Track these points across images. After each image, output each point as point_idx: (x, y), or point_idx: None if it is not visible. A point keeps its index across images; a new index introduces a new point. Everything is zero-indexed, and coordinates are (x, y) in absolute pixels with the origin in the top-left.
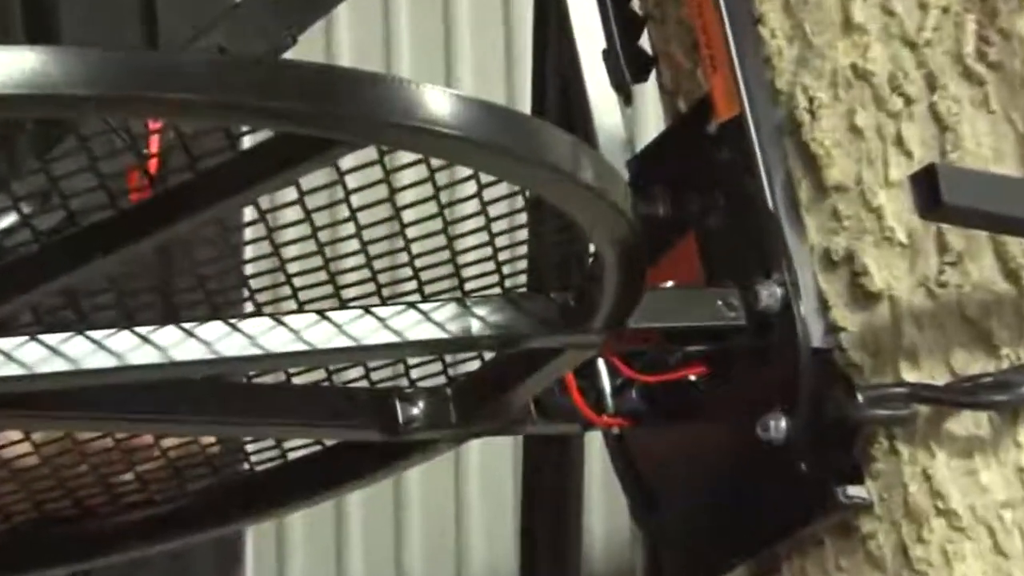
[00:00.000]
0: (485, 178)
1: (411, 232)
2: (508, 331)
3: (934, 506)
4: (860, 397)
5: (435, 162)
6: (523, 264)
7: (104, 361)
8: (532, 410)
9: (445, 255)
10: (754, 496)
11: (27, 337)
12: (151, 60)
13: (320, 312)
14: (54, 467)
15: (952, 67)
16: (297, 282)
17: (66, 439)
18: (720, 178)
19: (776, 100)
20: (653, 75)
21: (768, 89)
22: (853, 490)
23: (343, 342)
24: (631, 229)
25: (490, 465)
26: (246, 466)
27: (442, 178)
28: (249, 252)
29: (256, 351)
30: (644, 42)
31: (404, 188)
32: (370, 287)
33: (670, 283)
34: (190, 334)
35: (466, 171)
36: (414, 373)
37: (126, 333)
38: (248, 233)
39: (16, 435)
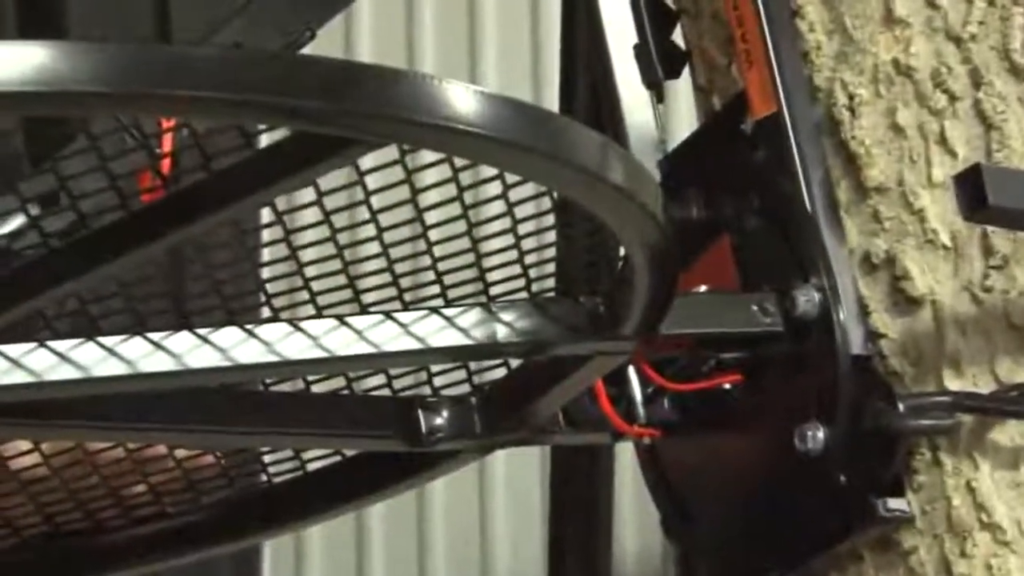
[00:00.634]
0: (511, 178)
1: (434, 234)
2: (535, 338)
3: (978, 519)
4: (901, 406)
5: (459, 161)
6: (551, 267)
7: (115, 368)
8: (560, 419)
9: (469, 258)
10: (790, 509)
11: (35, 344)
12: (162, 55)
13: (339, 317)
14: (65, 478)
15: (998, 63)
16: (315, 286)
17: (76, 449)
18: (756, 178)
19: (814, 97)
20: (686, 71)
21: (806, 85)
22: (894, 503)
23: (363, 349)
24: (662, 232)
25: (516, 474)
26: (263, 478)
27: (466, 178)
28: (266, 255)
29: (273, 358)
30: (677, 37)
31: (427, 189)
32: (391, 291)
33: (703, 288)
34: (204, 340)
35: (491, 171)
36: (437, 381)
37: (138, 339)
38: (265, 235)
39: (26, 445)
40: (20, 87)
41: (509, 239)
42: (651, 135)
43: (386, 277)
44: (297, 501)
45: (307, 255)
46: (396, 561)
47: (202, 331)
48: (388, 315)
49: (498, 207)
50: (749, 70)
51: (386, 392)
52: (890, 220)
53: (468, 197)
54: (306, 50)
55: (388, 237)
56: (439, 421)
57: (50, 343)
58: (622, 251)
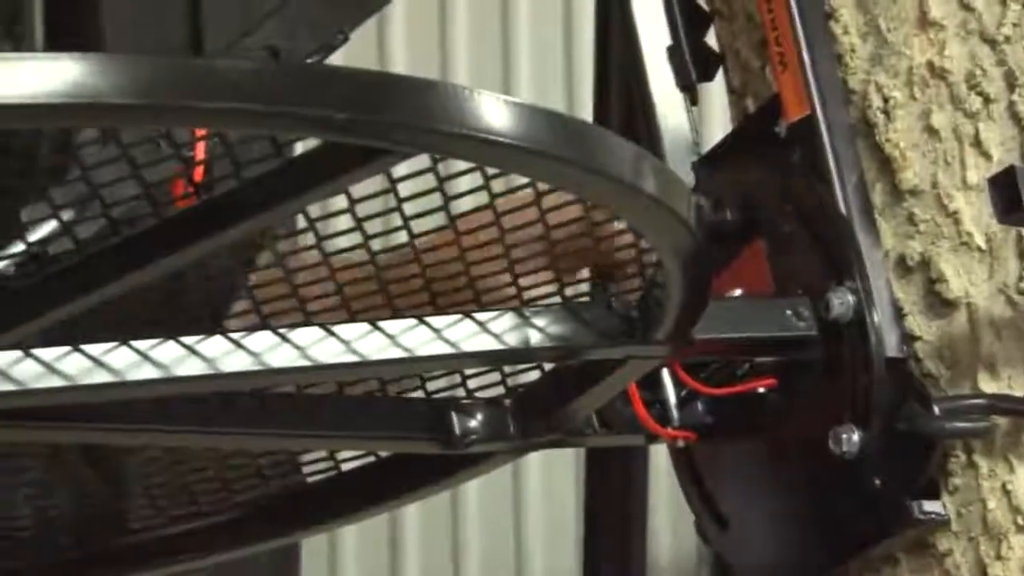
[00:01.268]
0: (544, 185)
1: (466, 240)
2: (568, 343)
3: (1014, 522)
4: (936, 409)
5: (491, 169)
6: (584, 272)
7: (150, 372)
8: (594, 421)
9: (502, 264)
10: (826, 512)
11: (116, 343)
12: (194, 68)
13: (372, 322)
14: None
15: None
16: (348, 291)
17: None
18: (789, 181)
19: (848, 100)
20: (720, 74)
21: (840, 88)
22: (929, 505)
23: (396, 353)
24: (695, 239)
25: (551, 476)
26: (298, 477)
27: (499, 185)
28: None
29: (306, 362)
30: (711, 39)
31: (459, 196)
32: (424, 296)
33: (738, 292)
34: (238, 345)
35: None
36: (472, 383)
37: (171, 344)
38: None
39: None
40: (56, 99)
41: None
42: (685, 138)
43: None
44: (331, 501)
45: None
46: (430, 562)
47: (235, 336)
48: (421, 319)
49: (531, 213)
50: (783, 73)
51: (420, 394)
52: (925, 223)
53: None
54: (339, 53)
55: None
56: (473, 424)
57: (132, 342)
58: (655, 257)
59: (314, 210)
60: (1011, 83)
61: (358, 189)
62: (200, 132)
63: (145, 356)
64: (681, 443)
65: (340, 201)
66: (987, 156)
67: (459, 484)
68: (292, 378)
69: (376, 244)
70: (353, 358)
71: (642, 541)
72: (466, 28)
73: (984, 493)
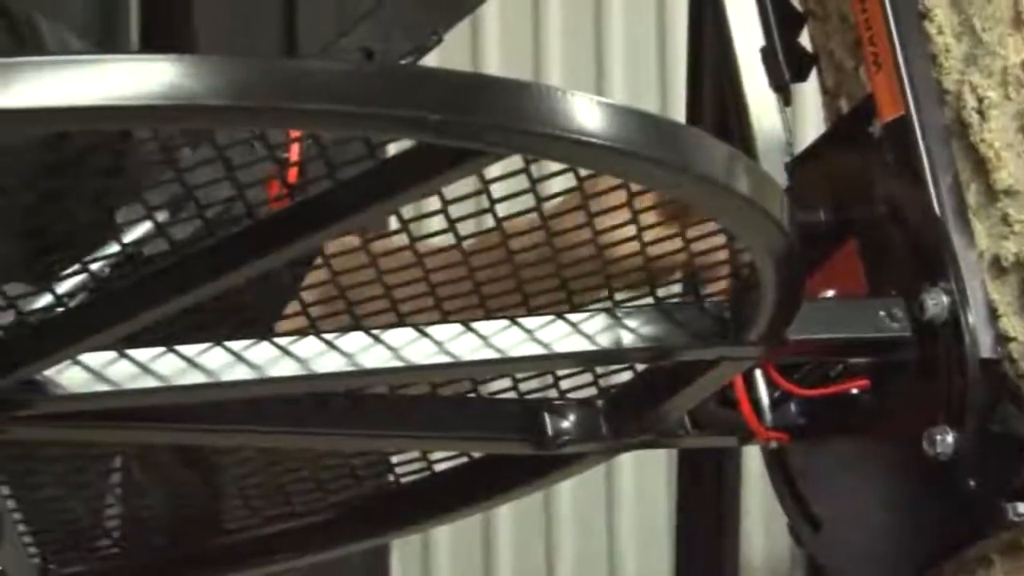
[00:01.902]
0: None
1: (559, 241)
2: (661, 344)
3: None
4: None
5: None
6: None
7: (244, 373)
8: (687, 422)
9: (595, 264)
10: (919, 513)
11: (209, 343)
12: (289, 69)
13: (465, 323)
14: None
15: None
16: (441, 292)
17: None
18: (883, 182)
19: (943, 100)
20: (813, 74)
21: (934, 88)
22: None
23: (488, 354)
24: (788, 240)
25: (644, 477)
26: (391, 478)
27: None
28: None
29: (399, 363)
30: (804, 40)
31: (552, 197)
32: (516, 297)
33: (831, 292)
34: (331, 346)
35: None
36: (564, 384)
37: (265, 345)
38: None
39: None
40: (150, 100)
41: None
42: (778, 138)
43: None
44: (424, 501)
45: (433, 262)
46: (523, 563)
47: (329, 336)
48: (513, 320)
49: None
50: (877, 73)
51: (512, 395)
52: (1020, 223)
53: (594, 204)
54: (433, 55)
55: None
56: (565, 424)
57: (226, 343)
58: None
59: (407, 211)
60: None
61: (450, 190)
62: (295, 134)
63: (239, 357)
64: (774, 444)
65: (433, 202)
66: None
67: (551, 485)
68: (385, 379)
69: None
70: (446, 359)
71: (735, 542)
72: (559, 28)
73: None
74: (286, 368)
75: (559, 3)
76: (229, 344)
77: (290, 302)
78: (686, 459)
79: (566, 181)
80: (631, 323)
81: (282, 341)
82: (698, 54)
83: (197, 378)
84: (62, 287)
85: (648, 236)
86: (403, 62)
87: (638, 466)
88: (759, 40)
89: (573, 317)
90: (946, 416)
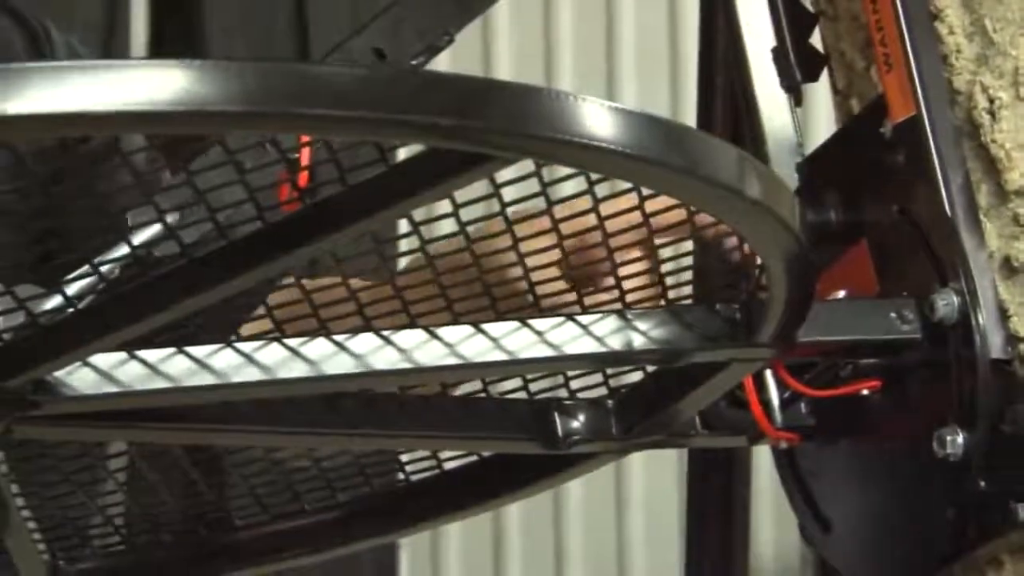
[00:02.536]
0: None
1: (570, 243)
2: (671, 346)
3: None
4: None
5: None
6: (687, 275)
7: (254, 375)
8: (697, 423)
9: (606, 267)
10: (930, 514)
11: (220, 345)
12: (300, 74)
13: (475, 325)
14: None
15: None
16: (452, 294)
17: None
18: (894, 182)
19: (954, 100)
20: (824, 75)
21: (945, 89)
22: None
23: (498, 356)
24: (800, 242)
25: (653, 476)
26: (400, 476)
27: (603, 189)
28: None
29: (408, 365)
30: (816, 40)
31: (562, 201)
32: (527, 299)
33: (842, 293)
34: (341, 347)
35: None
36: (574, 384)
37: (275, 346)
38: (402, 245)
39: None
40: (159, 106)
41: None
42: (789, 139)
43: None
44: (434, 499)
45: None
46: (533, 562)
47: (339, 338)
48: (524, 322)
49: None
50: (888, 73)
51: (522, 395)
52: None
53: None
54: (444, 55)
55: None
56: (575, 424)
57: (237, 344)
58: (759, 259)
59: (418, 214)
60: None
61: (462, 194)
62: (306, 137)
63: (249, 358)
64: (784, 444)
65: (444, 205)
66: None
67: (561, 484)
68: (395, 380)
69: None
70: (456, 361)
71: (744, 542)
72: (571, 28)
73: None
74: (296, 370)
75: (571, 3)
76: (239, 346)
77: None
78: (696, 459)
79: (577, 184)
80: (641, 325)
81: (292, 343)
82: (710, 54)
83: (207, 380)
84: (72, 289)
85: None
86: (415, 62)
87: (648, 466)
88: (770, 41)
89: (584, 319)
90: (956, 416)
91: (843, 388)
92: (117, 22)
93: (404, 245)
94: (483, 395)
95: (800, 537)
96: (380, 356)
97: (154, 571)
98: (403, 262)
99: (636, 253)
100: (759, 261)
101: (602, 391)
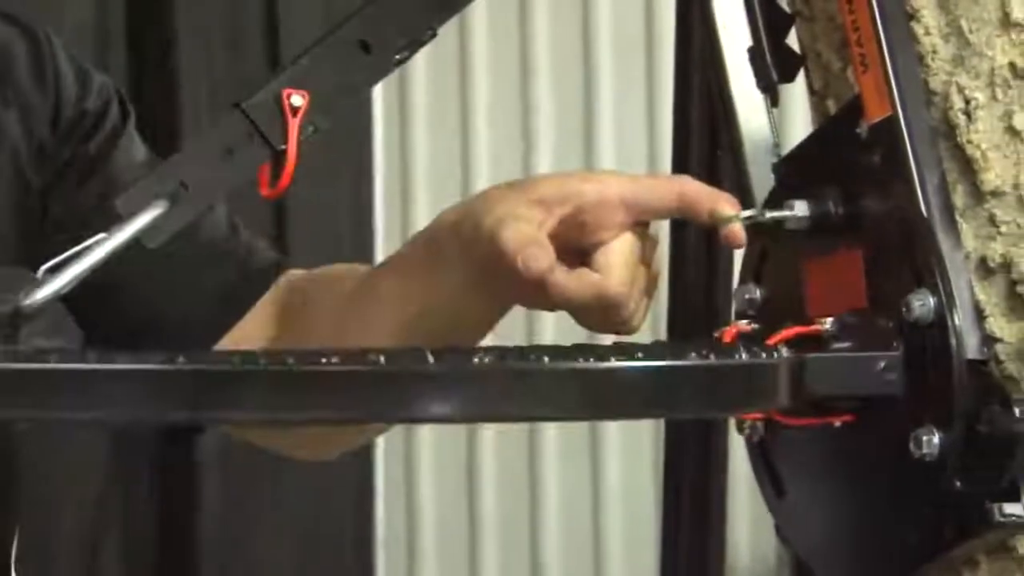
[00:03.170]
0: None
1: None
2: None
3: None
4: (1017, 411)
5: None
6: None
7: None
8: None
9: None
10: (905, 513)
11: None
12: None
13: None
14: None
15: None
16: None
17: None
18: (870, 182)
19: (930, 101)
20: (801, 75)
21: (921, 89)
22: (1009, 508)
23: None
24: None
25: (630, 474)
26: None
27: None
28: None
29: None
30: (792, 40)
31: None
32: None
33: (828, 321)
34: None
35: None
36: None
37: None
38: None
39: None
40: None
41: None
42: (766, 139)
43: None
44: None
45: None
46: (509, 561)
47: None
48: None
49: None
50: (864, 74)
51: None
52: (1006, 224)
53: None
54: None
55: None
56: None
57: None
58: None
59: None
60: None
61: None
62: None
63: None
64: (756, 438)
65: None
66: None
67: None
68: None
69: None
70: None
71: (721, 543)
72: (547, 29)
73: None
74: None
75: (547, 1)
76: None
77: None
78: (671, 459)
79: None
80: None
81: None
82: (686, 55)
83: None
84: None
85: None
86: (398, 57)
87: (624, 464)
88: (747, 41)
89: None
90: (933, 417)
91: (816, 419)
92: (108, 22)
93: None
94: None
95: (776, 536)
96: None
97: None
98: None
99: None
100: None
101: None
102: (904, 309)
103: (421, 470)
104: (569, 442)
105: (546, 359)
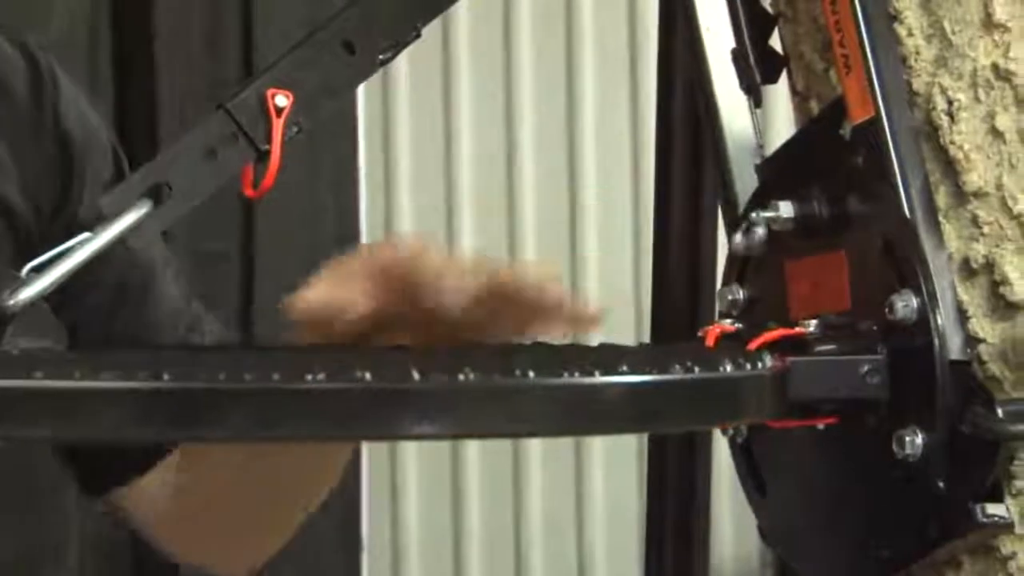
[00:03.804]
0: None
1: None
2: None
3: None
4: (1000, 411)
5: None
6: None
7: None
8: None
9: None
10: (889, 514)
11: None
12: None
13: None
14: None
15: None
16: None
17: None
18: (854, 183)
19: (913, 102)
20: (784, 76)
21: (904, 90)
22: (992, 508)
23: None
24: None
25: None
26: None
27: None
28: None
29: None
30: (775, 42)
31: None
32: None
33: (812, 323)
34: None
35: None
36: None
37: None
38: None
39: None
40: None
41: None
42: (749, 140)
43: None
44: None
45: None
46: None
47: None
48: None
49: None
50: (847, 75)
51: None
52: (989, 225)
53: None
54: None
55: None
56: None
57: None
58: None
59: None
60: None
61: None
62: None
63: None
64: (740, 439)
65: None
66: None
67: None
68: None
69: None
70: None
71: (704, 546)
72: (530, 30)
73: None
74: None
75: (530, 3)
76: None
77: None
78: (655, 462)
79: None
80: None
81: None
82: (669, 55)
83: None
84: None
85: None
86: (382, 57)
87: (608, 469)
88: (730, 42)
89: None
90: (916, 417)
91: (799, 421)
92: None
93: None
94: None
95: (759, 537)
96: None
97: None
98: None
99: None
100: None
101: None
102: (887, 310)
103: (406, 478)
104: (553, 447)
105: (532, 374)
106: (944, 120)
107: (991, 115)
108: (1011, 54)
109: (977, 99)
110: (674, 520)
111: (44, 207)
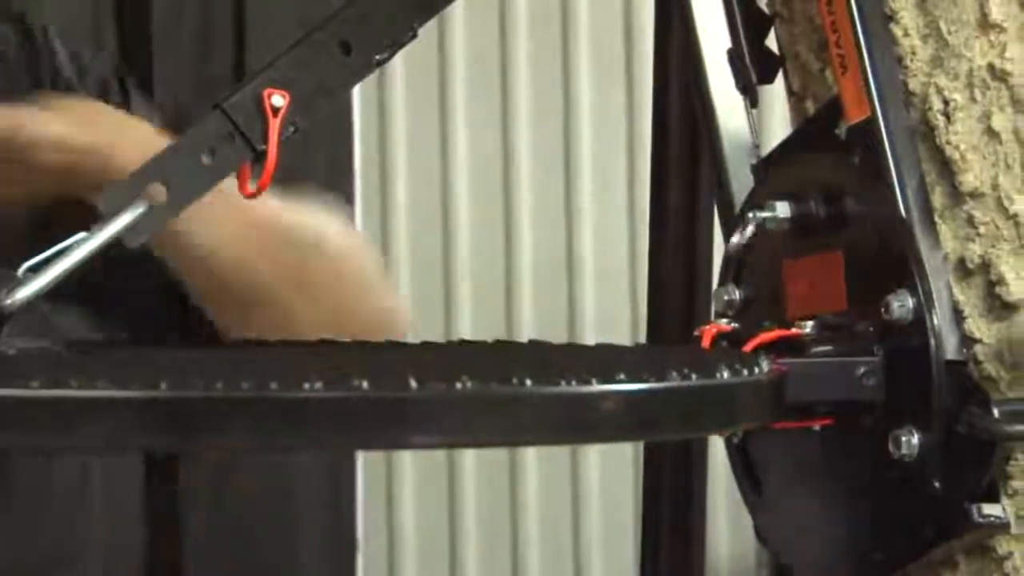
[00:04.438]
0: None
1: None
2: None
3: None
4: (996, 412)
5: None
6: None
7: None
8: None
9: None
10: (885, 514)
11: None
12: None
13: None
14: None
15: None
16: None
17: None
18: (850, 183)
19: (909, 102)
20: (780, 76)
21: (900, 90)
22: (988, 508)
23: None
24: None
25: (609, 476)
26: None
27: None
28: None
29: None
30: (771, 42)
31: None
32: None
33: (808, 325)
34: None
35: None
36: None
37: None
38: None
39: None
40: None
41: None
42: (745, 140)
43: None
44: None
45: None
46: (490, 562)
47: None
48: None
49: None
50: (843, 75)
51: None
52: (985, 225)
53: None
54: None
55: None
56: None
57: None
58: None
59: None
60: None
61: None
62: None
63: None
64: (736, 439)
65: None
66: None
67: None
68: None
69: None
70: None
71: (700, 544)
72: (526, 29)
73: None
74: None
75: (526, 2)
76: None
77: None
78: (651, 460)
79: None
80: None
81: None
82: (665, 56)
83: None
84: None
85: None
86: (379, 58)
87: (604, 469)
88: (726, 42)
89: None
90: (911, 418)
91: (796, 423)
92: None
93: None
94: None
95: (755, 537)
96: None
97: None
98: None
99: None
100: None
101: None
102: (883, 310)
103: (402, 477)
104: (549, 447)
105: (529, 382)
106: (940, 120)
107: (987, 115)
108: (1007, 54)
109: (973, 99)
110: (670, 520)
111: None
